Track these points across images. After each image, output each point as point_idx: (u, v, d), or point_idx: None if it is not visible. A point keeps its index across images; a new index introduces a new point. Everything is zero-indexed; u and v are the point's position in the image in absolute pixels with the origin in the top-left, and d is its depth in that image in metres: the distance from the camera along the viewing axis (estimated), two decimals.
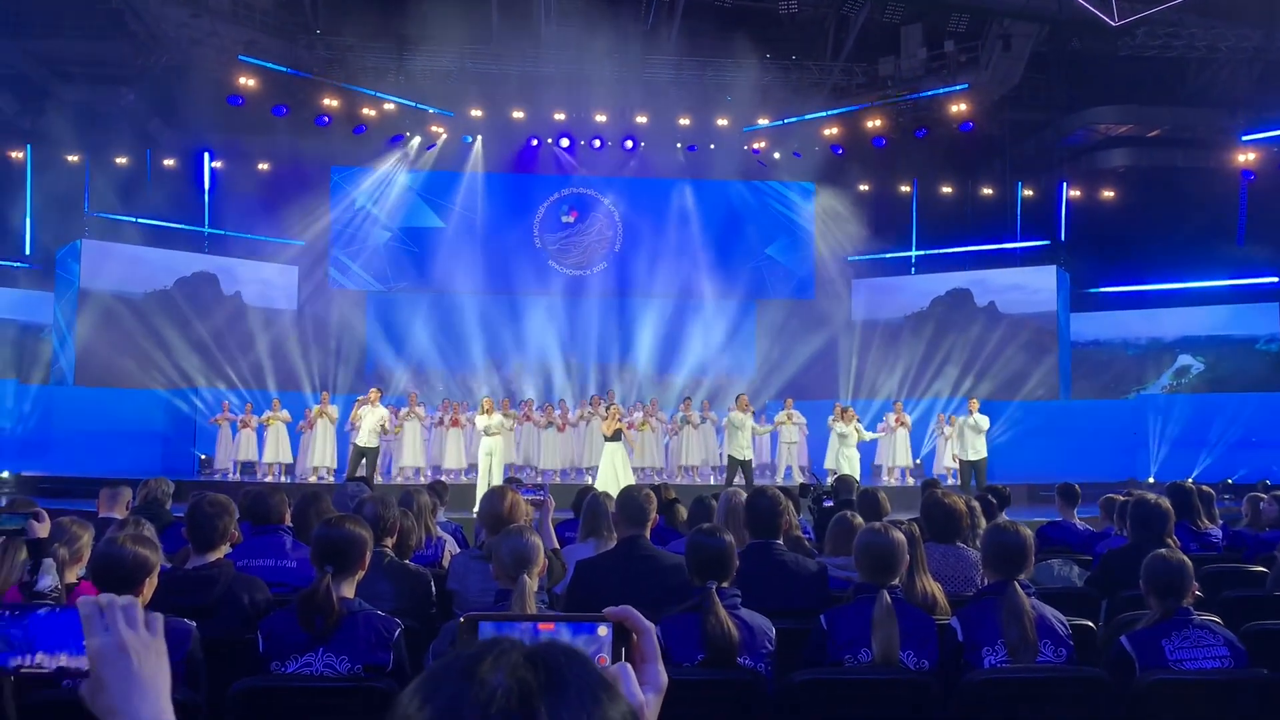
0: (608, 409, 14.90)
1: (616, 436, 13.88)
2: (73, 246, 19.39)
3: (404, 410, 16.31)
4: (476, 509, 4.99)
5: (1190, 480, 10.90)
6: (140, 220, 20.72)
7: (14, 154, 20.55)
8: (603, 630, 1.11)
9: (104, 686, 1.17)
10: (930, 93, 20.65)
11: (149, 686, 1.18)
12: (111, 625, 1.20)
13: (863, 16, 20.48)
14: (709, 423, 17.28)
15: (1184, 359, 21.69)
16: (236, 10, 19.35)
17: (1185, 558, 3.45)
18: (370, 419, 14.35)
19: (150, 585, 3.17)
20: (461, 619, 1.12)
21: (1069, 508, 6.87)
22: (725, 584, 3.33)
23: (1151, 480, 17.29)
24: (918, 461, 17.43)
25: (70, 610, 1.29)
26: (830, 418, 15.81)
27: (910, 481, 16.13)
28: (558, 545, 4.76)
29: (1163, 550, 3.48)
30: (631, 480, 13.08)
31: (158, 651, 1.22)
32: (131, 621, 1.21)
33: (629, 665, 1.08)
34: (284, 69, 19.46)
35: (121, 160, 20.65)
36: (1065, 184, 22.89)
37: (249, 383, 19.12)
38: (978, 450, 14.44)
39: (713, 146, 21.73)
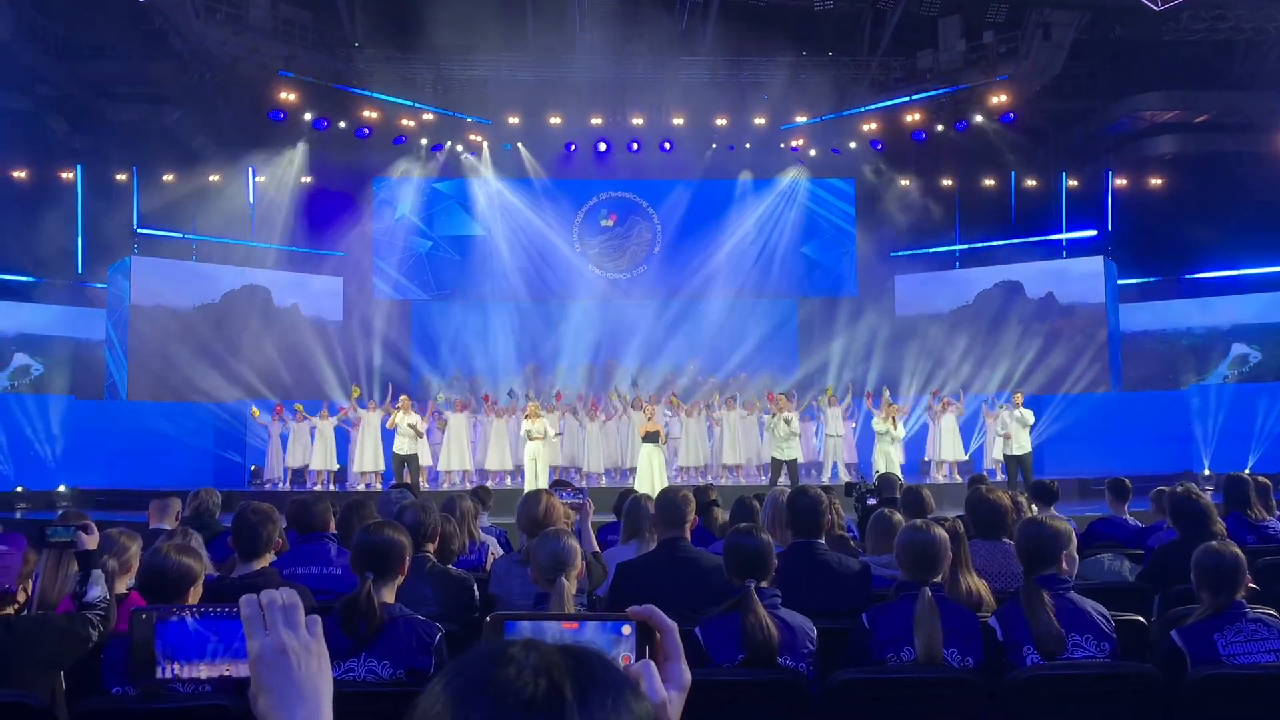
0: (641, 404, 15.03)
1: (653, 438, 13.94)
2: (123, 263, 19.77)
3: (448, 412, 16.53)
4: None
5: (1246, 471, 10.65)
6: (187, 236, 21.11)
7: (65, 174, 21.00)
8: (626, 629, 1.12)
9: (263, 690, 1.13)
10: (970, 84, 20.42)
11: (308, 691, 1.14)
12: (271, 627, 1.16)
13: (899, 10, 20.29)
14: (752, 417, 17.21)
15: (1239, 348, 21.24)
16: (276, 26, 19.62)
17: (1238, 550, 3.37)
18: (404, 426, 14.60)
19: (195, 594, 3.22)
20: (488, 618, 1.13)
21: (1119, 503, 6.76)
22: (764, 583, 3.31)
23: (1207, 472, 16.93)
24: (967, 456, 17.19)
25: (216, 614, 1.27)
26: (877, 416, 15.58)
27: (958, 478, 15.93)
28: (597, 548, 4.77)
29: (1214, 543, 3.40)
30: (666, 481, 13.12)
31: (319, 655, 1.17)
32: (292, 623, 1.16)
33: (652, 663, 1.08)
34: (324, 83, 19.71)
35: (168, 177, 21.03)
36: (1111, 173, 22.52)
37: (296, 393, 19.36)
38: (1022, 445, 14.26)
39: (749, 146, 21.66)
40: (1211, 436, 17.97)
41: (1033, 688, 3.03)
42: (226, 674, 1.26)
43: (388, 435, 15.80)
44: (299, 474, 16.92)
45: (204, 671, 1.26)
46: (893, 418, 15.12)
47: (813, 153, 21.96)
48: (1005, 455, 14.50)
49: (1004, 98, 20.05)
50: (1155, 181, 22.18)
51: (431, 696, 0.86)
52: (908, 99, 20.80)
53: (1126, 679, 3.07)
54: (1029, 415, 14.33)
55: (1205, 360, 21.40)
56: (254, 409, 17.77)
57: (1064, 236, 22.33)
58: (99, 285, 20.59)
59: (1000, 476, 14.90)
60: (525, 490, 13.51)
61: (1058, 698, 3.04)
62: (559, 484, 7.71)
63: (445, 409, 16.92)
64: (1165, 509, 5.36)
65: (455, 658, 0.92)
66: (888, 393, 16.43)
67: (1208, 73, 21.07)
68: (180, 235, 21.06)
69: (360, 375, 20.47)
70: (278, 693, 1.13)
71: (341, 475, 16.92)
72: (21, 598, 3.34)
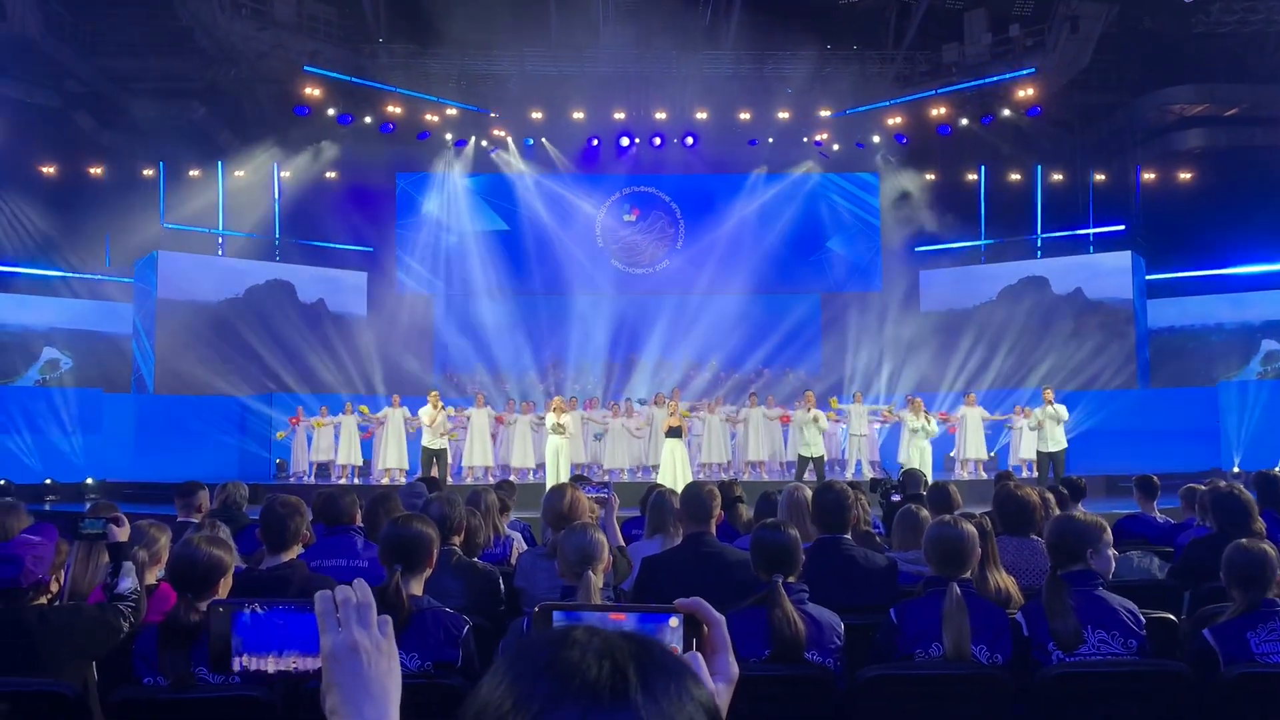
0: (663, 401, 15.03)
1: (676, 433, 13.91)
2: (150, 258, 19.93)
3: (470, 409, 16.54)
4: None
5: (1277, 469, 10.51)
6: (213, 230, 21.26)
7: (92, 169, 21.20)
8: (674, 622, 1.11)
9: (333, 687, 1.14)
10: (996, 78, 20.26)
11: (377, 690, 1.14)
12: (345, 624, 1.17)
13: (925, 3, 20.16)
14: (775, 414, 17.16)
15: (1269, 344, 20.98)
16: (301, 22, 19.73)
17: (1268, 548, 3.31)
18: (439, 426, 14.61)
19: (225, 586, 3.24)
20: (537, 608, 1.13)
21: (1148, 500, 6.70)
22: (791, 578, 3.30)
23: (1236, 470, 16.73)
24: (993, 454, 17.07)
25: (287, 609, 1.28)
26: (885, 407, 15.75)
27: (983, 475, 15.84)
28: (623, 542, 4.77)
29: (1243, 540, 3.35)
30: (690, 476, 13.08)
31: (389, 655, 1.18)
32: (364, 622, 1.17)
33: (699, 655, 1.08)
34: (348, 78, 19.79)
35: (194, 172, 21.21)
36: (1139, 167, 22.31)
37: (321, 387, 19.47)
38: (1057, 441, 14.15)
39: (773, 140, 21.59)
40: (1241, 434, 17.74)
41: (1062, 684, 3.00)
42: (296, 668, 1.27)
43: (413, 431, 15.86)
44: (323, 468, 17.00)
45: (273, 665, 1.27)
46: (923, 412, 15.04)
47: (836, 147, 21.86)
48: (1039, 451, 14.39)
49: (1030, 91, 19.89)
50: (1184, 176, 21.96)
51: (494, 679, 0.85)
52: (933, 93, 20.68)
53: (1157, 677, 3.04)
54: (1064, 411, 14.24)
55: (1236, 357, 21.16)
56: (279, 432, 17.72)
57: (1091, 231, 22.14)
58: (126, 280, 20.77)
59: (1026, 474, 14.80)
60: (549, 484, 13.57)
61: (1087, 695, 3.01)
62: (579, 479, 7.71)
63: (466, 406, 16.94)
64: (1200, 505, 5.29)
65: (517, 644, 0.92)
66: (893, 406, 16.37)
67: (1238, 66, 20.82)
68: (206, 230, 21.22)
69: (384, 370, 20.57)
70: (347, 690, 1.14)
71: (365, 470, 16.99)
72: (54, 588, 3.38)
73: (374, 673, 1.15)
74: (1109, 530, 3.50)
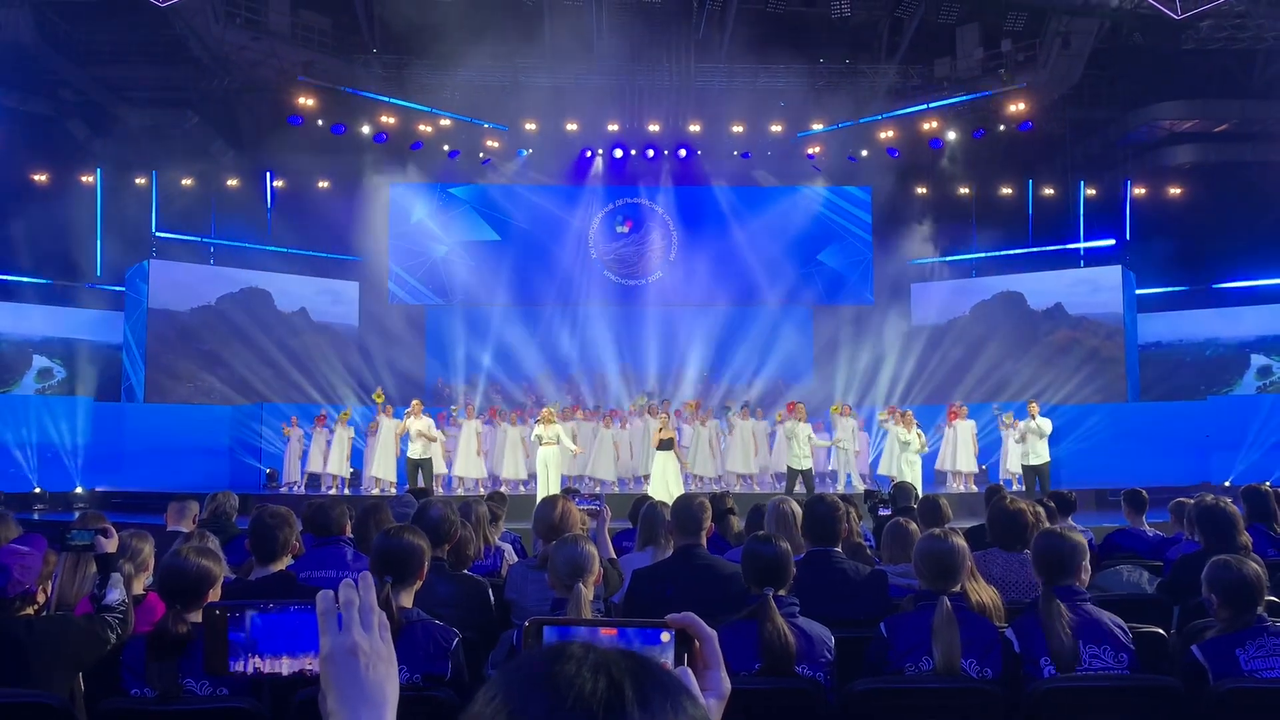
0: (656, 411, 15.02)
1: (667, 446, 13.90)
2: (141, 267, 19.89)
3: (460, 417, 16.50)
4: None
5: (1268, 484, 10.55)
6: (205, 240, 21.23)
7: (84, 178, 21.15)
8: (665, 636, 1.10)
9: (330, 690, 1.13)
10: (988, 93, 20.35)
11: (374, 694, 1.12)
12: (345, 627, 1.15)
13: (917, 18, 20.25)
14: (763, 429, 17.17)
15: (1259, 359, 21.07)
16: (295, 32, 19.73)
17: (1256, 565, 3.32)
18: (414, 433, 14.51)
19: (214, 597, 3.23)
20: (527, 623, 1.12)
21: (1137, 514, 6.70)
22: (782, 591, 3.29)
23: (1228, 484, 16.76)
24: (983, 467, 17.06)
25: (295, 609, 1.27)
26: (880, 415, 15.74)
27: (973, 488, 15.84)
28: (614, 554, 4.76)
29: (1227, 558, 3.35)
30: (681, 489, 13.05)
31: (388, 660, 1.16)
32: (366, 625, 1.16)
33: (690, 670, 1.07)
34: (342, 88, 19.80)
35: (187, 181, 21.19)
36: (1130, 182, 22.42)
37: (312, 397, 19.41)
38: (1040, 455, 14.15)
39: (766, 153, 21.65)
40: (1233, 449, 17.78)
41: (1053, 699, 3.00)
42: (309, 668, 1.25)
43: (404, 441, 15.79)
44: (314, 479, 16.93)
45: (286, 666, 1.25)
46: (915, 427, 14.99)
47: (825, 160, 21.91)
48: (1023, 465, 14.39)
49: (1022, 106, 19.98)
50: (1174, 191, 22.08)
51: (488, 693, 0.85)
52: (925, 107, 20.75)
53: (1147, 692, 3.04)
54: (1046, 424, 14.22)
55: (1226, 372, 21.24)
56: (284, 426, 17.55)
57: (1082, 246, 22.23)
58: (118, 289, 20.72)
59: (1016, 487, 14.79)
60: (539, 496, 13.53)
61: (1078, 709, 3.01)
62: (568, 492, 7.71)
63: (459, 416, 16.93)
64: (1187, 520, 5.31)
65: (510, 661, 0.91)
66: (908, 414, 16.34)
67: (1228, 81, 20.97)
68: (198, 239, 21.19)
69: (375, 381, 20.52)
70: (343, 693, 1.12)
71: (355, 480, 16.92)
72: (41, 598, 3.36)
73: (372, 676, 1.14)
74: (1088, 548, 3.51)
